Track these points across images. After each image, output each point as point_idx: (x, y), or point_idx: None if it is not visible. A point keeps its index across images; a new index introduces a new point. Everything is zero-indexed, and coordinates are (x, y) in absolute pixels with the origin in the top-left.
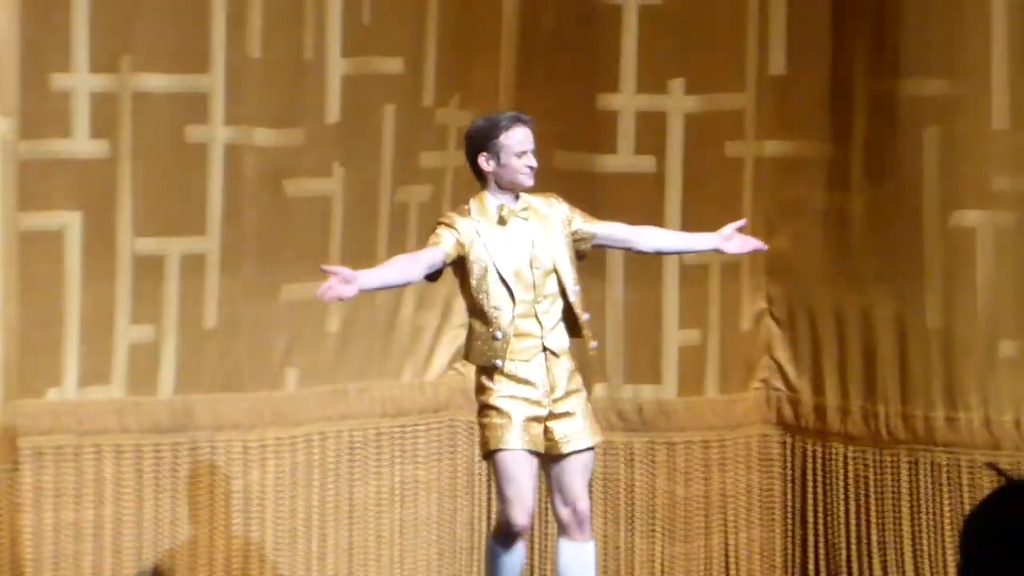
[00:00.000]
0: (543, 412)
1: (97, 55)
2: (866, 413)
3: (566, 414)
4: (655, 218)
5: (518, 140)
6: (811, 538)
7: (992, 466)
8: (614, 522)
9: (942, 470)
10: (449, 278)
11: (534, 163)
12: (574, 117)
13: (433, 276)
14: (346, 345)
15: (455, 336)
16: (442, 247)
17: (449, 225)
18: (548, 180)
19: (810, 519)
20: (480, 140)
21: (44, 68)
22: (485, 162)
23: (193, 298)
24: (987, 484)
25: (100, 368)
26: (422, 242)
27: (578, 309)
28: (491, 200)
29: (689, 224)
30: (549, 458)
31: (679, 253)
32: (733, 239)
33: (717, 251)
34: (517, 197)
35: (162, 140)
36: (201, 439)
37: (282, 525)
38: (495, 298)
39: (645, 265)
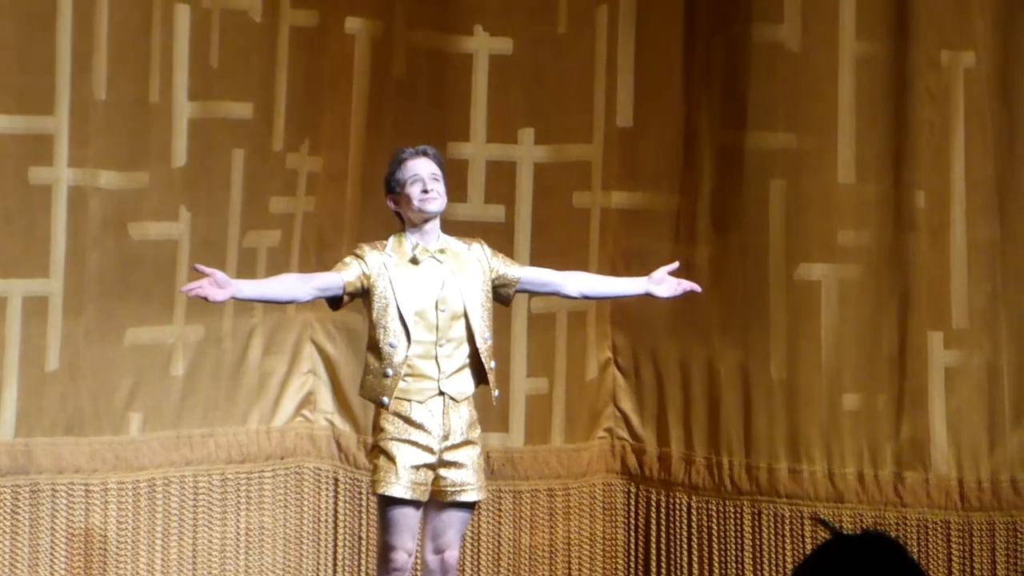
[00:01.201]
0: (433, 459)
1: None
2: (710, 463)
3: (457, 464)
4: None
5: (409, 169)
6: None
7: (819, 519)
8: (460, 571)
9: (785, 521)
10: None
11: (429, 187)
12: None
13: (334, 304)
14: (192, 390)
15: (303, 383)
16: (343, 275)
17: (359, 256)
18: (397, 228)
19: (653, 567)
20: (385, 183)
21: None
22: (393, 204)
23: (36, 340)
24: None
25: None
26: None
27: (485, 356)
28: (408, 239)
29: None
30: (431, 503)
31: (607, 298)
32: (664, 283)
33: (648, 295)
34: (437, 237)
35: (5, 181)
36: (42, 482)
37: (124, 570)
38: (392, 335)
39: (495, 312)
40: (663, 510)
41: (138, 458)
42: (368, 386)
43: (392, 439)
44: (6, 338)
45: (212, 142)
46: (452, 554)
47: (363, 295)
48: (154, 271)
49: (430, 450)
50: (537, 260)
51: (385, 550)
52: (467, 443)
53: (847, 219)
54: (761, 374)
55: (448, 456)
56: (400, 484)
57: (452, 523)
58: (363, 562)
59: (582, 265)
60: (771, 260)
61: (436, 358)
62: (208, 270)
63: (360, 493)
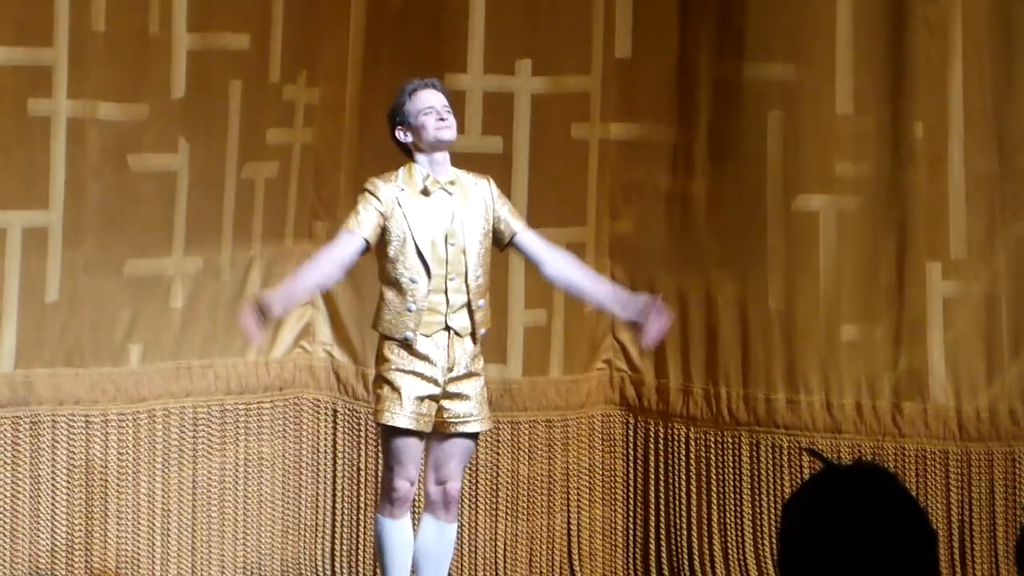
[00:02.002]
0: (437, 391)
1: None
2: (708, 395)
3: (461, 395)
4: None
5: (422, 100)
6: (652, 517)
7: (810, 450)
8: (459, 500)
9: (783, 452)
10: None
11: (445, 116)
12: None
13: (360, 253)
14: (190, 322)
15: (301, 314)
16: (362, 232)
17: (372, 193)
18: (396, 159)
19: (652, 499)
20: (393, 116)
21: None
22: (402, 134)
23: (35, 272)
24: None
25: None
26: (269, 217)
27: (474, 294)
28: (419, 170)
29: (535, 206)
30: (434, 434)
31: (578, 295)
32: (637, 316)
33: (620, 317)
34: (447, 169)
35: (4, 113)
36: (42, 413)
37: (125, 500)
38: (412, 271)
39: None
40: (661, 441)
41: (138, 389)
42: (387, 323)
43: (396, 370)
44: (5, 270)
45: (210, 73)
46: (454, 485)
47: (377, 233)
48: (153, 203)
49: (434, 382)
50: (536, 192)
51: (388, 479)
52: (471, 375)
53: (845, 151)
54: (759, 306)
55: (452, 388)
56: (404, 415)
57: (454, 454)
58: (362, 492)
59: (581, 195)
60: (769, 192)
61: (446, 291)
62: (254, 305)
63: (359, 424)
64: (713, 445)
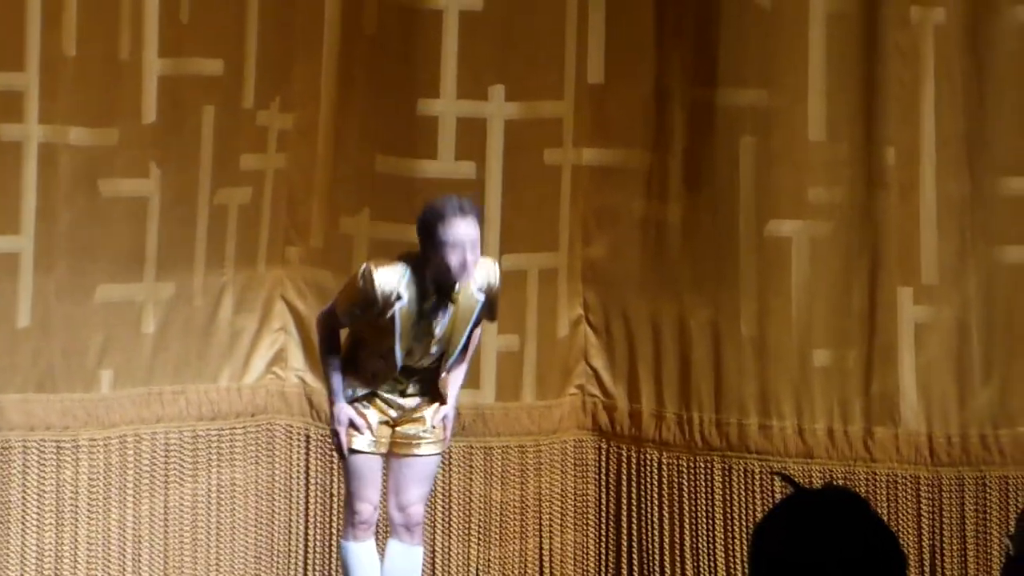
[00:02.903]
0: (394, 415)
1: None
2: (681, 420)
3: (415, 419)
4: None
5: (453, 232)
6: (624, 542)
7: (779, 474)
8: (430, 526)
9: (755, 477)
10: None
11: (469, 258)
12: (395, 122)
13: None
14: (162, 347)
15: (274, 340)
16: (351, 324)
17: (370, 292)
18: (370, 184)
19: (624, 523)
20: (421, 228)
21: None
22: (422, 247)
23: (6, 297)
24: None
25: None
26: (242, 243)
27: (443, 370)
28: (427, 283)
29: (507, 232)
30: (392, 457)
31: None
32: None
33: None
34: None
35: None
36: (13, 439)
37: (96, 526)
38: (384, 358)
39: None
40: (634, 466)
41: (109, 415)
42: (349, 376)
43: (355, 399)
44: None
45: (182, 99)
46: (416, 509)
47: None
48: (125, 228)
49: (391, 405)
50: (508, 217)
51: (350, 503)
52: (428, 402)
53: (818, 176)
54: (731, 330)
55: (408, 414)
56: (362, 438)
57: (413, 477)
58: (334, 517)
59: (554, 221)
60: (742, 217)
61: (410, 374)
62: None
63: (331, 450)
64: (686, 470)
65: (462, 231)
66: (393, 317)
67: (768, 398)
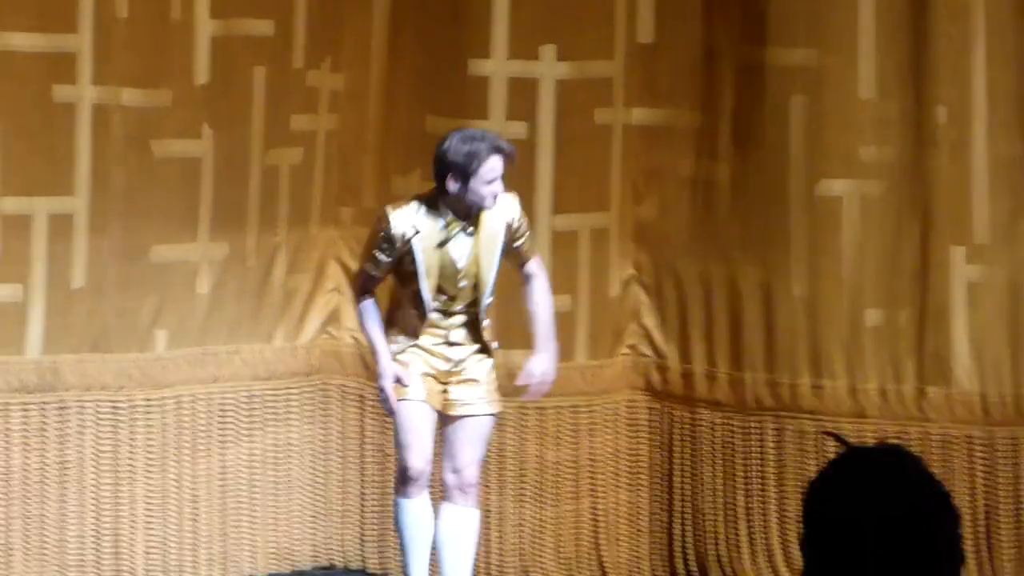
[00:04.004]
0: (444, 368)
1: None
2: (733, 380)
3: (467, 380)
4: (526, 183)
5: (491, 168)
6: (678, 502)
7: (829, 433)
8: (484, 486)
9: (808, 437)
10: None
11: (500, 190)
12: (445, 82)
13: None
14: (217, 307)
15: (328, 300)
16: (381, 274)
17: (386, 233)
18: (420, 145)
19: (677, 484)
20: (453, 163)
21: None
22: (452, 183)
23: (61, 258)
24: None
25: None
26: (294, 203)
27: (482, 316)
28: (442, 212)
29: (559, 192)
30: (445, 418)
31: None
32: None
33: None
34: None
35: (28, 100)
36: (69, 399)
37: (152, 485)
38: (411, 303)
39: None
40: (686, 426)
41: (164, 375)
42: (396, 328)
43: (403, 351)
44: (32, 256)
45: (233, 60)
46: (470, 471)
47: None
48: (178, 189)
49: (442, 358)
50: (560, 177)
51: (401, 459)
52: (475, 360)
53: (868, 135)
54: (783, 291)
55: (456, 375)
56: (415, 388)
57: (467, 439)
58: (389, 477)
59: (604, 181)
60: (792, 177)
61: (447, 315)
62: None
63: (385, 411)
64: (738, 430)
65: (500, 165)
66: (413, 253)
67: (820, 358)
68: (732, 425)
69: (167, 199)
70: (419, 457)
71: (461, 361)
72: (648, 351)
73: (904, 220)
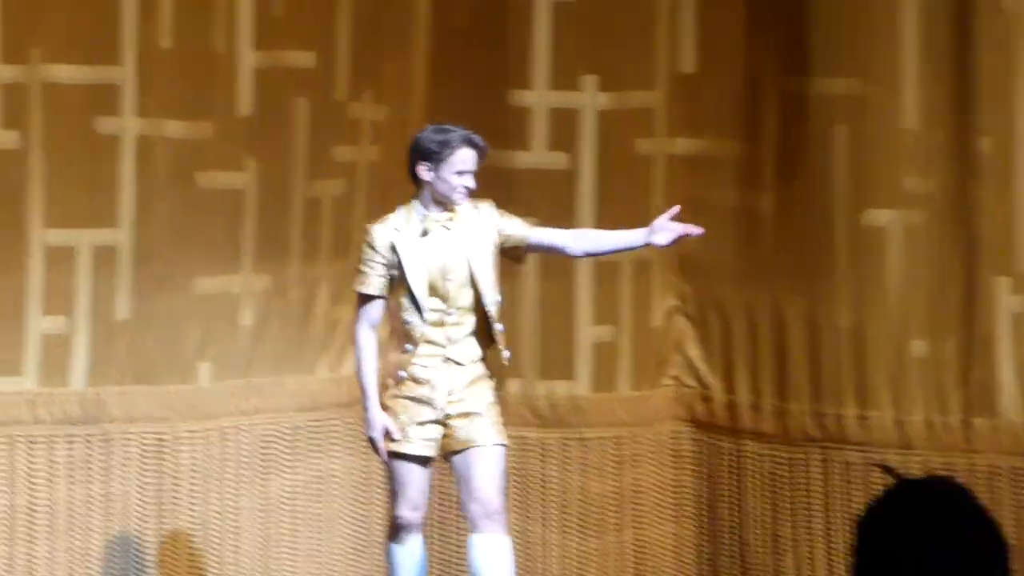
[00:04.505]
0: (439, 415)
1: (6, 46)
2: (778, 410)
3: (468, 413)
4: (567, 214)
5: (461, 159)
6: (723, 534)
7: (882, 466)
8: (528, 518)
9: (854, 468)
10: None
11: (471, 184)
12: (487, 113)
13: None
14: (260, 339)
15: None
16: (377, 292)
17: (371, 246)
18: None
19: (722, 515)
20: (426, 150)
21: None
22: (425, 171)
23: (105, 290)
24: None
25: (11, 359)
26: (336, 234)
27: (494, 319)
28: (419, 209)
29: (600, 219)
30: (452, 456)
31: (610, 253)
32: (664, 230)
33: (649, 246)
34: (451, 209)
35: (72, 131)
36: (114, 431)
37: (196, 517)
38: (405, 310)
39: (558, 260)
40: (731, 457)
41: (208, 406)
42: (389, 362)
43: (396, 396)
44: (76, 288)
45: (276, 91)
46: (492, 495)
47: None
48: (221, 220)
49: (433, 406)
50: (602, 208)
51: (393, 506)
52: (474, 393)
53: (912, 165)
54: (828, 321)
55: (455, 408)
56: (404, 441)
57: (481, 470)
58: (432, 508)
59: (646, 211)
60: (836, 207)
61: (443, 325)
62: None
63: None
64: (783, 461)
65: (471, 158)
66: (399, 255)
67: (866, 389)
68: (777, 456)
69: (210, 231)
70: (409, 507)
71: (471, 383)
72: (692, 382)
73: (948, 250)
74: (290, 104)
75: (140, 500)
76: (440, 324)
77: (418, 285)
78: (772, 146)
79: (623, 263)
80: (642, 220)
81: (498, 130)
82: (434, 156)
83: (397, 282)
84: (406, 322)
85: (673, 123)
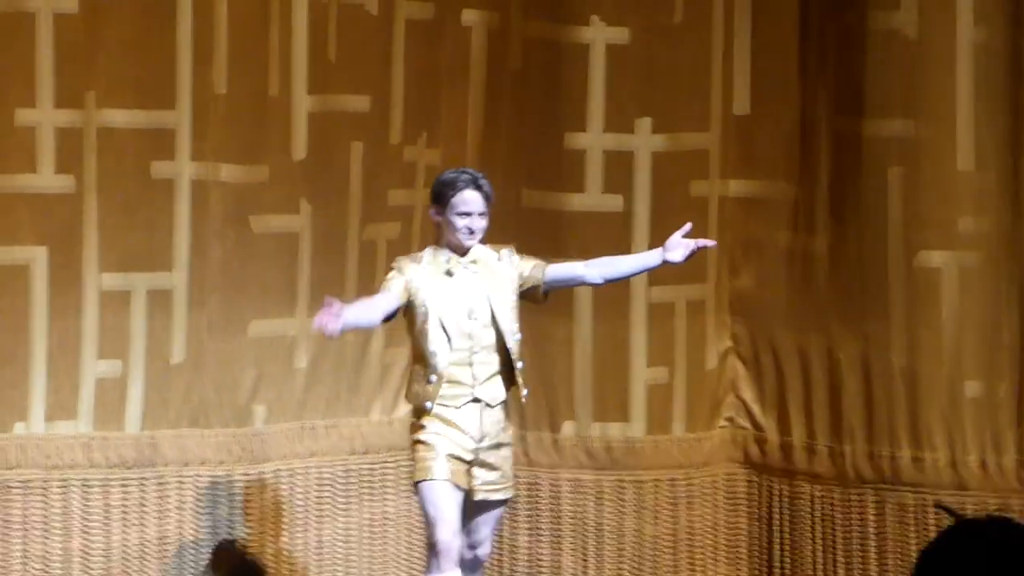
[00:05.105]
0: (469, 456)
1: (62, 90)
2: (832, 452)
3: (490, 465)
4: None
5: (463, 200)
6: (777, 575)
7: (940, 505)
8: (582, 561)
9: (908, 510)
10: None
11: (474, 226)
12: (541, 156)
13: (388, 318)
14: (314, 382)
15: None
16: (394, 293)
17: (399, 271)
18: (515, 219)
19: (776, 557)
20: (434, 194)
21: (9, 103)
22: (434, 214)
23: (160, 333)
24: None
25: (67, 403)
26: None
27: (515, 356)
28: (444, 252)
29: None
30: (467, 500)
31: (630, 275)
32: (679, 248)
33: (666, 263)
34: (466, 252)
35: (128, 175)
36: (168, 474)
37: (250, 561)
38: (433, 343)
39: (613, 303)
40: (785, 499)
41: (263, 449)
42: (414, 393)
43: (431, 433)
44: (131, 331)
45: (331, 135)
46: (484, 550)
47: (406, 307)
48: (276, 263)
49: (465, 448)
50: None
51: (431, 534)
52: (501, 445)
53: (967, 206)
54: (882, 362)
55: (482, 456)
56: (441, 468)
57: (486, 521)
58: None
59: (701, 253)
60: (890, 248)
61: (471, 365)
62: (331, 300)
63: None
64: (838, 503)
65: (473, 199)
66: (427, 290)
67: (920, 430)
68: (832, 498)
69: (265, 274)
70: (448, 530)
71: (484, 438)
72: (746, 423)
73: (1003, 291)
74: (345, 148)
75: (194, 544)
76: (465, 363)
77: (448, 318)
78: (826, 187)
79: (678, 303)
80: (697, 261)
81: (553, 173)
82: (441, 199)
83: (420, 318)
84: (432, 353)
85: (727, 165)
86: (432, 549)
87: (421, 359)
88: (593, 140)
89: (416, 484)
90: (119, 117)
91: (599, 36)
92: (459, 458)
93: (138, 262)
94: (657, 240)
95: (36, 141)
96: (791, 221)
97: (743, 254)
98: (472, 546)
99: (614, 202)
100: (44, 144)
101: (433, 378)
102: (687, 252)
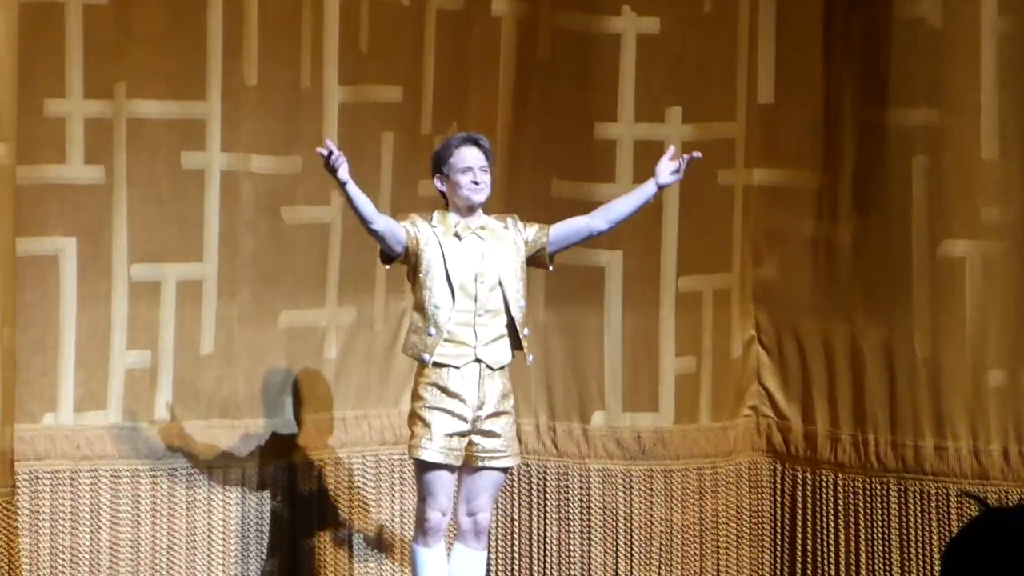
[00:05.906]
0: (466, 427)
1: (92, 81)
2: (856, 441)
3: (491, 432)
4: (652, 245)
5: (463, 158)
6: (800, 563)
7: (968, 493)
8: (612, 551)
9: (931, 499)
10: None
11: (479, 179)
12: (572, 146)
13: (386, 258)
14: (345, 372)
15: None
16: (400, 227)
17: (412, 222)
18: (545, 209)
19: (799, 545)
20: (435, 162)
21: (39, 94)
22: (439, 183)
23: (190, 324)
24: (975, 513)
25: (96, 393)
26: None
27: (520, 323)
28: (452, 216)
29: (684, 254)
30: (465, 468)
31: (631, 213)
32: (664, 170)
33: (661, 188)
34: (478, 216)
35: (158, 166)
36: (198, 466)
37: (282, 552)
38: (437, 296)
39: (641, 293)
40: (808, 487)
41: (293, 441)
42: (411, 344)
43: (428, 407)
44: (161, 322)
45: (362, 126)
46: (484, 516)
47: (410, 258)
48: (307, 255)
49: (464, 419)
50: (685, 239)
51: (421, 510)
52: (501, 413)
53: (991, 195)
54: (905, 351)
55: (483, 425)
56: (434, 449)
57: (485, 487)
58: (514, 541)
59: (727, 241)
60: (914, 237)
61: (474, 326)
62: (332, 147)
63: (515, 473)
64: (861, 491)
65: (472, 155)
66: (436, 246)
67: (943, 419)
68: (855, 486)
69: (296, 265)
70: (438, 511)
71: (483, 405)
72: (770, 412)
73: None
74: (376, 138)
75: (223, 535)
76: (468, 324)
77: (454, 275)
78: (850, 176)
79: (704, 292)
80: (724, 250)
81: (583, 163)
82: (440, 162)
83: (424, 270)
84: (434, 306)
85: (752, 154)
86: (420, 524)
87: (422, 311)
88: (624, 130)
89: (411, 457)
90: (149, 108)
91: (630, 26)
92: (456, 433)
93: (168, 253)
94: (684, 229)
95: (66, 132)
96: (815, 210)
97: (767, 242)
98: (471, 513)
99: None
100: (74, 135)
101: (432, 331)
102: (673, 168)
